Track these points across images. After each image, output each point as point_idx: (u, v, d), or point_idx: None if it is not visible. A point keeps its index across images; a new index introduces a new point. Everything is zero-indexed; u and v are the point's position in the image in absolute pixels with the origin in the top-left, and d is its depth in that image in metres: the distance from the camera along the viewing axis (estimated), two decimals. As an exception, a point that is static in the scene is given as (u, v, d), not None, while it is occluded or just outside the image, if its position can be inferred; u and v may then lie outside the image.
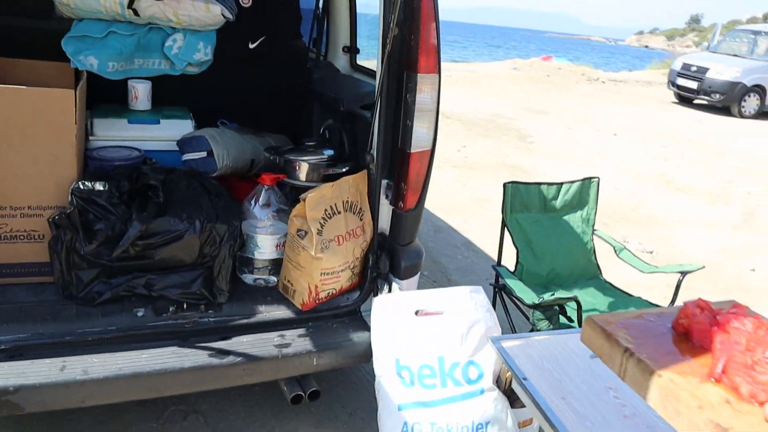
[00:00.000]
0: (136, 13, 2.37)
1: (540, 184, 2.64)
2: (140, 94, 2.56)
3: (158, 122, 2.53)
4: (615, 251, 2.73)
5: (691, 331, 0.71)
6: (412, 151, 2.09)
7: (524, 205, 2.58)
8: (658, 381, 0.65)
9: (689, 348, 0.70)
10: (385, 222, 2.22)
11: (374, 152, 2.14)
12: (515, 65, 18.52)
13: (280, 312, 2.11)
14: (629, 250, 2.72)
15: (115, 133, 2.41)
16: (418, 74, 2.01)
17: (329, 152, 2.32)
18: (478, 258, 4.16)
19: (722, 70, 11.93)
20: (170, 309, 1.96)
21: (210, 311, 2.01)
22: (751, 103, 11.92)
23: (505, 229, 2.57)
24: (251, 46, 2.67)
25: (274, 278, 2.21)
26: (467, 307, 1.98)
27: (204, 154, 2.32)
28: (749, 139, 9.79)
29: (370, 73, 2.80)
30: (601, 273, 2.80)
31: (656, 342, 0.73)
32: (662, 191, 6.19)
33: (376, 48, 2.07)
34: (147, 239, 1.92)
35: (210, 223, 1.99)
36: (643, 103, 12.94)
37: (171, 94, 2.70)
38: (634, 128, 9.57)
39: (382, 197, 2.19)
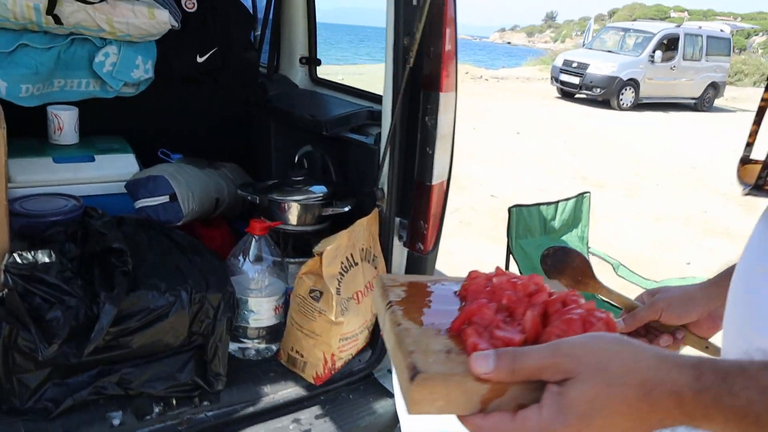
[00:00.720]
0: (57, 20, 1.86)
1: (539, 204, 2.42)
2: (65, 124, 2.03)
3: (92, 159, 2.01)
4: (613, 269, 2.58)
5: (467, 293, 0.66)
6: (434, 183, 1.77)
7: (527, 229, 2.35)
8: (396, 329, 0.61)
9: (459, 308, 0.64)
10: (398, 267, 1.89)
11: (384, 187, 1.80)
12: (401, 65, 18.55)
13: (289, 390, 1.71)
14: (626, 267, 2.58)
15: (39, 177, 1.88)
16: (441, 93, 1.70)
17: (321, 188, 1.93)
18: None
19: (601, 65, 12.63)
20: (155, 409, 1.50)
21: (206, 403, 1.57)
22: (628, 96, 12.73)
23: (510, 255, 2.32)
24: (200, 60, 2.21)
25: (269, 347, 1.80)
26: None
27: (166, 198, 1.85)
28: (634, 130, 10.40)
29: (339, 88, 2.44)
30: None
31: (428, 301, 0.67)
32: (582, 188, 6.28)
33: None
34: (120, 324, 1.45)
35: (199, 293, 1.55)
36: (529, 99, 13.41)
37: (99, 121, 2.18)
38: (532, 125, 9.82)
39: (395, 239, 1.86)
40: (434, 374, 0.53)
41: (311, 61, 2.55)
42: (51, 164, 1.93)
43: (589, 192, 2.61)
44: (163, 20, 1.97)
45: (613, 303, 0.92)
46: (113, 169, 2.02)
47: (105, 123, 2.16)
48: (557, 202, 2.50)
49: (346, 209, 1.88)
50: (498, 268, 0.69)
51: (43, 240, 1.61)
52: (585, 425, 0.49)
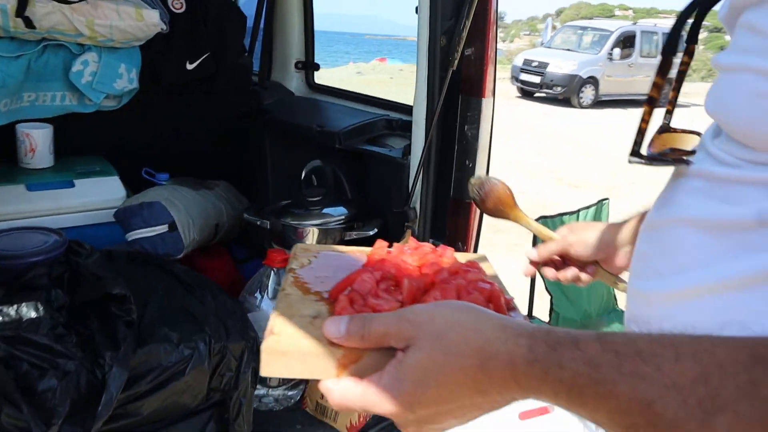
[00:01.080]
0: (28, 23, 1.59)
1: (562, 214, 2.27)
2: (38, 144, 1.75)
3: (71, 184, 1.74)
4: (636, 279, 2.44)
5: (369, 262, 0.66)
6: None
7: (552, 242, 2.18)
8: (281, 294, 0.62)
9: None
10: (432, 294, 1.69)
11: (417, 206, 1.60)
12: (359, 69, 18.44)
13: (321, 445, 1.49)
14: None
15: (10, 209, 1.61)
16: (483, 99, 1.51)
17: (341, 210, 1.71)
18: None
19: (560, 64, 12.70)
20: (173, 485, 1.26)
21: (229, 471, 1.34)
22: (588, 93, 12.85)
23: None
24: (189, 66, 1.95)
25: (289, 394, 1.57)
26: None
27: (164, 228, 1.60)
28: (598, 127, 10.46)
29: (342, 94, 2.22)
30: (617, 302, 2.50)
31: (332, 269, 0.67)
32: (560, 189, 6.22)
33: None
34: (128, 389, 1.20)
35: (219, 342, 1.31)
36: (491, 99, 13.38)
37: (76, 138, 1.91)
38: (496, 125, 9.71)
39: (428, 263, 1.65)
40: (287, 336, 0.54)
41: (308, 66, 2.33)
42: (24, 192, 1.66)
43: (608, 199, 2.47)
44: (153, 22, 1.72)
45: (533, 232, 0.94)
46: (96, 195, 1.75)
47: (82, 140, 1.89)
48: (578, 210, 2.36)
49: (372, 233, 1.67)
50: (413, 239, 0.69)
51: (22, 286, 1.34)
52: (420, 393, 0.47)
